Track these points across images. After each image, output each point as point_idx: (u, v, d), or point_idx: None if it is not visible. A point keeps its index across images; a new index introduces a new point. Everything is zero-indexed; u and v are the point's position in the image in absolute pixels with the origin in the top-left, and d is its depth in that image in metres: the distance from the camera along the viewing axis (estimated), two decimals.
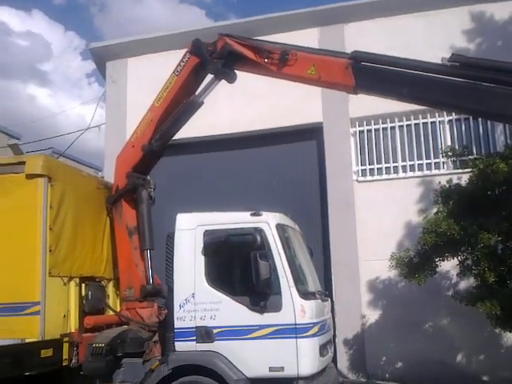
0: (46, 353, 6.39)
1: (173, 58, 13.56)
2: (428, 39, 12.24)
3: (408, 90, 5.77)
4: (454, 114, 12.41)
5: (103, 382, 6.56)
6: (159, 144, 7.68)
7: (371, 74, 6.03)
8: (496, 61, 5.50)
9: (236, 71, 7.23)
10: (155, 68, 13.71)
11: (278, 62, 6.60)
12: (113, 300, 8.11)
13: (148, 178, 8.20)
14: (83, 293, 7.28)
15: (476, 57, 5.62)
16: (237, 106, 12.90)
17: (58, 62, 67.39)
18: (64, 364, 6.67)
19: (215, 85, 7.39)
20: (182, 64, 7.48)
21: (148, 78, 13.88)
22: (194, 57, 7.35)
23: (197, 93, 7.56)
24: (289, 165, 13.43)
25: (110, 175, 9.70)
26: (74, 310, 7.10)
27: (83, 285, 7.33)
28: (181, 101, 7.52)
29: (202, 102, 7.52)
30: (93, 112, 16.06)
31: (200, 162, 13.92)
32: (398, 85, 5.82)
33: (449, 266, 10.07)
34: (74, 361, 6.73)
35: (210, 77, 7.44)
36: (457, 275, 9.96)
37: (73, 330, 6.98)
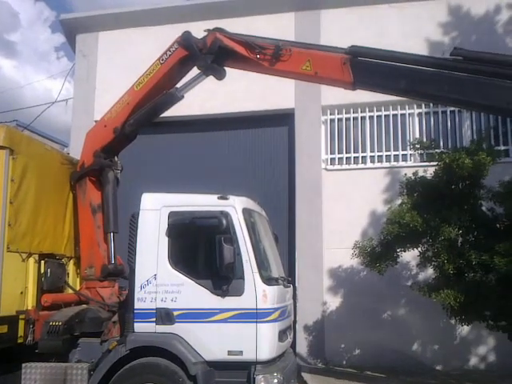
0: (1, 329, 6.26)
1: (145, 34, 13.54)
2: (402, 29, 12.34)
3: (410, 85, 5.60)
4: (423, 106, 12.60)
5: (59, 361, 6.46)
6: (132, 129, 7.54)
7: (370, 69, 5.87)
8: (497, 54, 5.41)
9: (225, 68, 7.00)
10: (127, 43, 13.48)
11: (271, 58, 6.41)
12: (73, 279, 7.97)
13: (116, 159, 8.04)
14: (42, 270, 7.10)
15: (478, 50, 5.46)
16: (208, 87, 12.73)
17: (26, 33, 65.38)
18: (19, 341, 6.54)
19: (200, 81, 7.19)
20: (169, 53, 7.20)
21: (119, 53, 13.65)
22: (183, 49, 7.07)
23: (178, 85, 7.35)
24: (259, 150, 13.41)
25: (76, 150, 9.48)
26: (32, 287, 6.94)
27: (42, 262, 7.15)
28: (161, 90, 7.30)
29: (182, 96, 7.30)
30: (60, 87, 15.70)
31: (169, 142, 13.78)
32: (398, 80, 5.64)
33: (409, 256, 10.27)
34: (29, 338, 6.61)
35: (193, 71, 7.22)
36: (417, 266, 10.15)
37: (30, 308, 6.84)
